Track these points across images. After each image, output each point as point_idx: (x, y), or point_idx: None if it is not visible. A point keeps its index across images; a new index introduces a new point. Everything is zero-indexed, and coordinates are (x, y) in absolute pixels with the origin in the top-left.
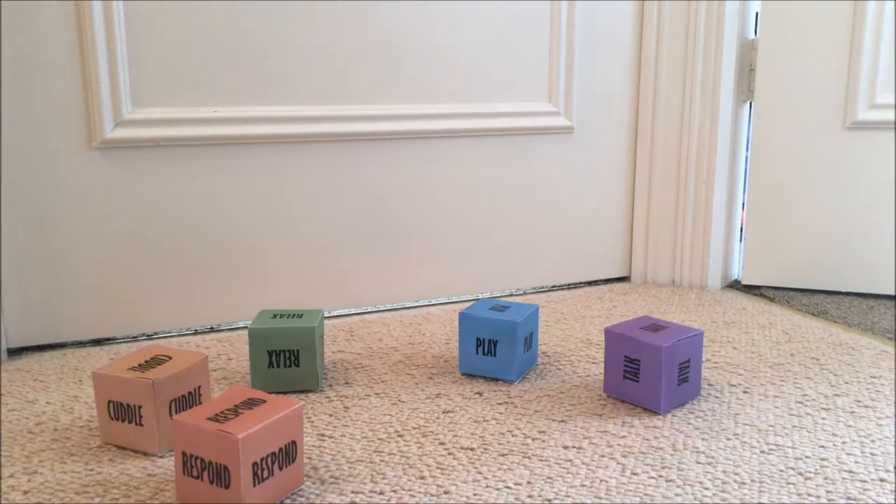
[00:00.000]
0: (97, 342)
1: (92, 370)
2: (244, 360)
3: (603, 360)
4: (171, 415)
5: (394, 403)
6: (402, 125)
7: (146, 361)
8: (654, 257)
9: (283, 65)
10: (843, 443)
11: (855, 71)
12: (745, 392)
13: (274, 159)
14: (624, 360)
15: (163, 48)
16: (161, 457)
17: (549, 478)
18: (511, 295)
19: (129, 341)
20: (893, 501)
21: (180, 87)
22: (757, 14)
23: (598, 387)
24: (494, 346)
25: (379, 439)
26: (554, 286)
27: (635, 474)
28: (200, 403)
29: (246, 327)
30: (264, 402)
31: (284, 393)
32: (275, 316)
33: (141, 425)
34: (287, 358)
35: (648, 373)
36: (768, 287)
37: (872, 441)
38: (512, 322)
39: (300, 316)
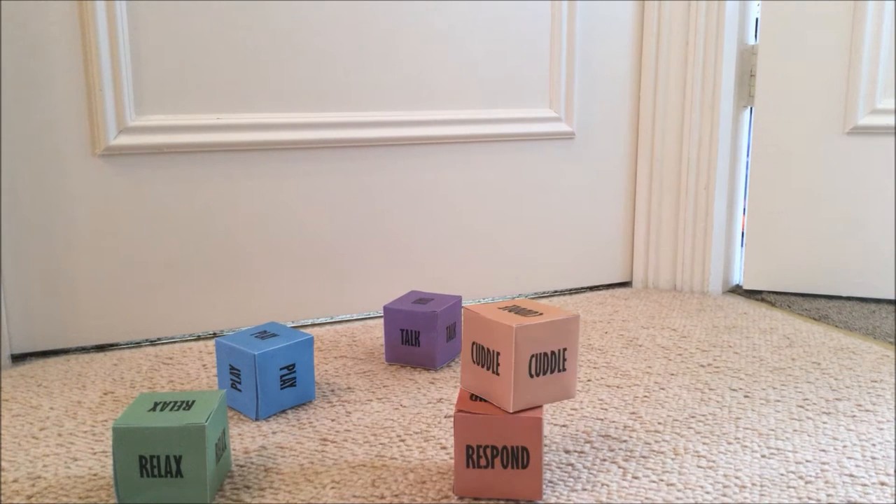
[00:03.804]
0: (100, 348)
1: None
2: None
3: (602, 363)
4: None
5: (396, 408)
6: (403, 131)
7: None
8: (656, 262)
9: (285, 72)
10: (844, 447)
11: (855, 76)
12: (746, 396)
13: (276, 166)
14: (400, 331)
15: (166, 56)
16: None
17: (551, 482)
18: (513, 300)
19: (133, 347)
20: None
21: (183, 94)
22: (757, 19)
23: (598, 388)
24: (417, 336)
25: (381, 444)
26: (555, 291)
27: (636, 478)
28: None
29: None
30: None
31: None
32: (155, 406)
33: (497, 374)
34: (166, 465)
35: (424, 336)
36: (769, 292)
37: (873, 445)
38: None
39: (189, 406)
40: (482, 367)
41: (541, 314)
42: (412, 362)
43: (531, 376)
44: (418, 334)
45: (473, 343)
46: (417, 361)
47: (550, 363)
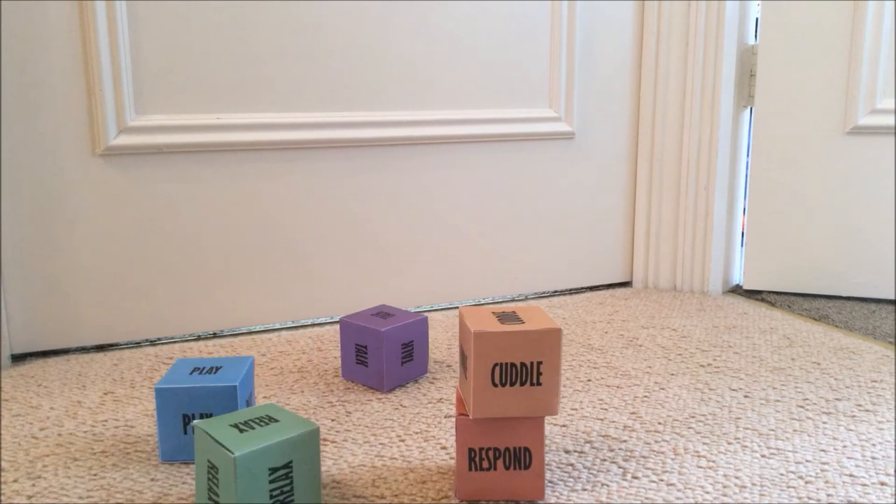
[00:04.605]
0: (101, 348)
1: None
2: None
3: (602, 363)
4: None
5: (396, 408)
6: (402, 131)
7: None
8: (656, 262)
9: (284, 72)
10: (844, 447)
11: (855, 76)
12: (745, 396)
13: (275, 166)
14: (355, 346)
15: (165, 56)
16: None
17: (551, 482)
18: (513, 300)
19: (133, 347)
20: None
21: (183, 94)
22: (757, 19)
23: (598, 388)
24: (366, 354)
25: (381, 444)
26: (556, 291)
27: (636, 478)
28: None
29: (249, 332)
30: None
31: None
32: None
33: (466, 378)
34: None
35: (372, 355)
36: (769, 292)
37: (873, 445)
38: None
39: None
40: (462, 369)
41: (523, 322)
42: (363, 381)
43: (495, 385)
44: (367, 352)
45: (460, 345)
46: (367, 381)
47: (521, 375)
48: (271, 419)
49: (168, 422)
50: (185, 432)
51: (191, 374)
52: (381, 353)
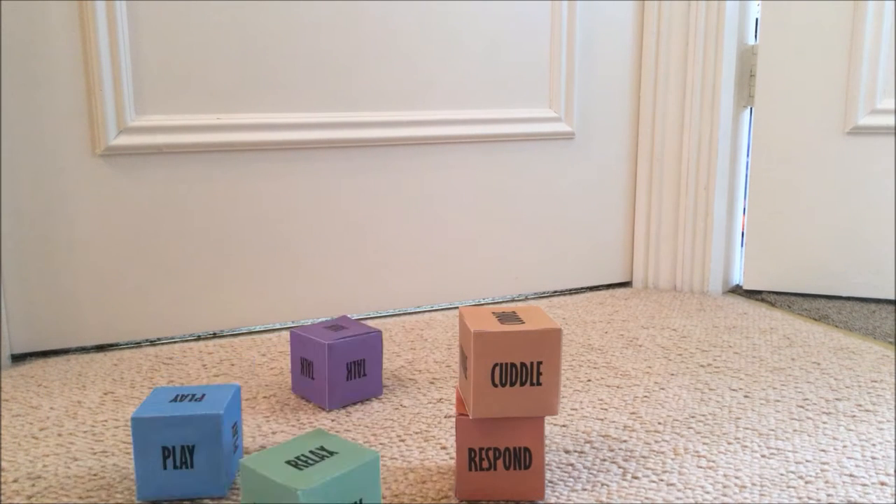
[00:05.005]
0: (100, 348)
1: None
2: (246, 366)
3: (602, 363)
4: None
5: (396, 408)
6: (402, 132)
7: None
8: (656, 262)
9: (284, 72)
10: (844, 447)
11: (855, 76)
12: (745, 396)
13: (276, 166)
14: (300, 360)
15: (165, 56)
16: None
17: (551, 482)
18: (513, 300)
19: (133, 347)
20: None
21: (183, 94)
22: (757, 20)
23: (598, 388)
24: (311, 368)
25: (381, 444)
26: (556, 291)
27: (636, 478)
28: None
29: (249, 332)
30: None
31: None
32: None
33: (467, 378)
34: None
35: (317, 370)
36: (769, 292)
37: (873, 445)
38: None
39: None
40: (462, 369)
41: (523, 323)
42: (310, 396)
43: (495, 385)
44: (312, 366)
45: (460, 345)
46: (313, 397)
47: (521, 375)
48: (326, 450)
49: (147, 455)
50: (165, 467)
51: (171, 401)
52: (326, 368)
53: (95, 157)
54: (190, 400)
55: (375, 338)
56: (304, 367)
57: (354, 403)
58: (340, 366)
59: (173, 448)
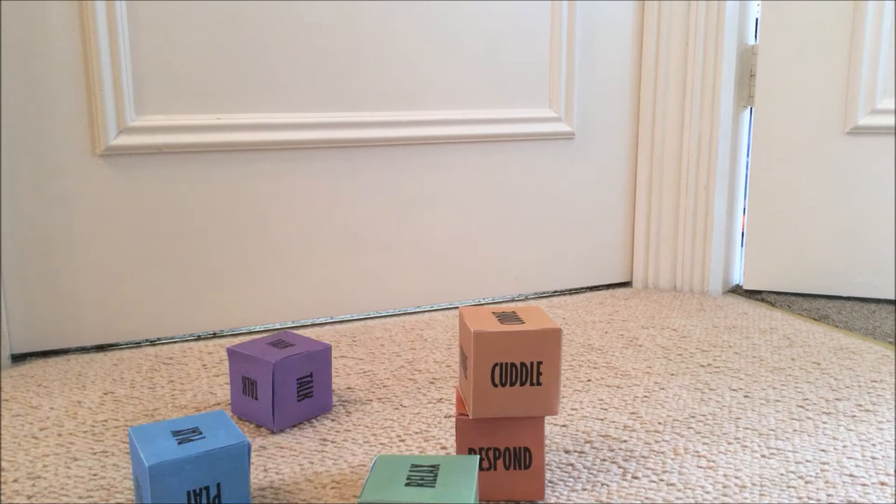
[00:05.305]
0: (100, 348)
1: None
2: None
3: (602, 363)
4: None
5: (396, 408)
6: (402, 132)
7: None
8: (656, 262)
9: (284, 72)
10: (844, 447)
11: (855, 76)
12: (745, 396)
13: (276, 166)
14: (242, 379)
15: (166, 56)
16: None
17: (551, 482)
18: (513, 300)
19: (133, 347)
20: None
21: (183, 94)
22: (757, 20)
23: (598, 388)
24: (255, 388)
25: (381, 444)
26: (556, 291)
27: (636, 478)
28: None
29: (249, 332)
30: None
31: None
32: (408, 482)
33: (467, 378)
34: None
35: (262, 389)
36: (769, 292)
37: (873, 445)
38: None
39: (431, 480)
40: (462, 369)
41: (523, 322)
42: (253, 418)
43: (495, 385)
44: (256, 385)
45: (460, 345)
46: (257, 418)
47: (521, 375)
48: (436, 467)
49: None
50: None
51: (179, 444)
52: (272, 387)
53: (95, 157)
54: (193, 434)
55: (324, 353)
56: (245, 387)
57: (302, 423)
58: (288, 383)
59: (198, 491)
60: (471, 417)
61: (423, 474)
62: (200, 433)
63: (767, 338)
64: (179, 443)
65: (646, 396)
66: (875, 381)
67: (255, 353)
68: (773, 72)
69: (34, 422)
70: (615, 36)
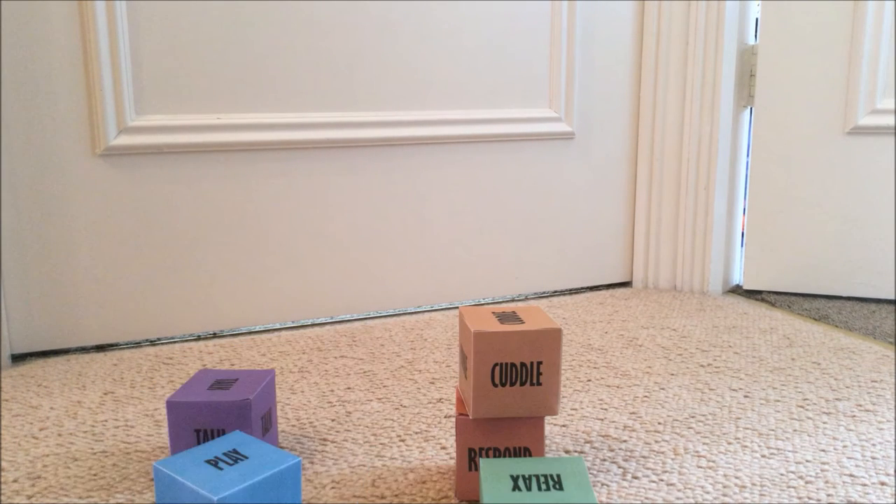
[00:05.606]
0: (100, 348)
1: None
2: (246, 366)
3: (602, 363)
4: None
5: (396, 408)
6: (402, 131)
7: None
8: (656, 262)
9: (285, 72)
10: (844, 447)
11: (855, 76)
12: (745, 396)
13: (276, 166)
14: (195, 432)
15: (165, 56)
16: None
17: None
18: (513, 300)
19: (133, 347)
20: None
21: (183, 94)
22: (757, 19)
23: (598, 388)
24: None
25: (381, 444)
26: (555, 291)
27: (636, 478)
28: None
29: (249, 332)
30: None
31: None
32: (515, 487)
33: (467, 378)
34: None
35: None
36: (769, 292)
37: (873, 445)
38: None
39: (552, 482)
40: (462, 369)
41: (523, 322)
42: None
43: (495, 385)
44: (224, 434)
45: (460, 345)
46: None
47: (521, 375)
48: (559, 478)
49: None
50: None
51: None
52: (250, 430)
53: (95, 157)
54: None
55: (271, 382)
56: (203, 439)
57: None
58: (258, 422)
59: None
60: (471, 417)
61: (544, 478)
62: (243, 456)
63: (767, 338)
64: (227, 468)
65: (646, 396)
66: (875, 381)
67: (218, 397)
68: (773, 72)
69: (34, 422)
70: (615, 36)
